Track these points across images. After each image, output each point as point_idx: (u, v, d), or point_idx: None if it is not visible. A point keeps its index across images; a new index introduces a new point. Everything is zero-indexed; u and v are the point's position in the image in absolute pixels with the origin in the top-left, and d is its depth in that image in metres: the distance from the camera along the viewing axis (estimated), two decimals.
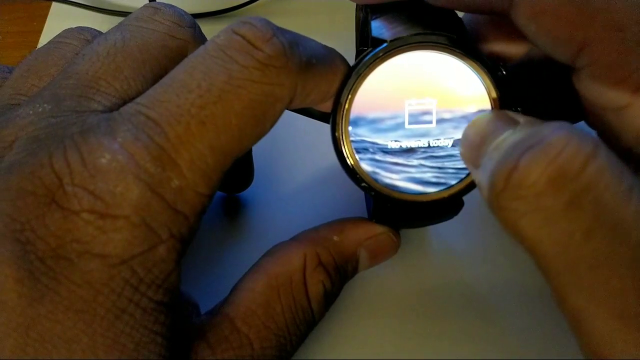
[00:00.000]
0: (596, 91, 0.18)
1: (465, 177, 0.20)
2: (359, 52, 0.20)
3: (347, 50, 0.20)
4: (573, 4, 0.16)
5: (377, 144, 0.20)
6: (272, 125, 0.17)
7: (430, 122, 0.20)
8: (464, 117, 0.19)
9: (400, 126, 0.20)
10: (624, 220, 0.13)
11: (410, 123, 0.20)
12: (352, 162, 0.20)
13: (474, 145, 0.17)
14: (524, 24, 0.18)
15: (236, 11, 0.38)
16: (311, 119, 0.23)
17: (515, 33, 0.21)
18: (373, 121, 0.19)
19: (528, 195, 0.14)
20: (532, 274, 0.25)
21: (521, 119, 0.17)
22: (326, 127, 0.21)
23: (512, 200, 0.14)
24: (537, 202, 0.14)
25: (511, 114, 0.17)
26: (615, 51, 0.17)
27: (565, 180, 0.13)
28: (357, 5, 0.24)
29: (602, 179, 0.13)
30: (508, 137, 0.15)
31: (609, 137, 0.20)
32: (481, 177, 0.16)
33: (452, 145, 0.20)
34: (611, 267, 0.14)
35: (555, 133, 0.14)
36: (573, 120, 0.24)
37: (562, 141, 0.14)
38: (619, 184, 0.13)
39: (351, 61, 0.20)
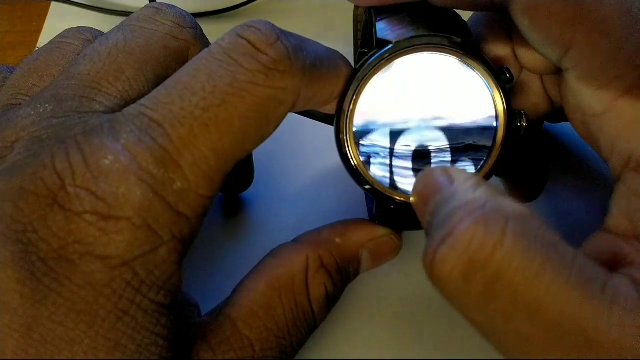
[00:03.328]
0: (579, 95, 0.18)
1: None
2: (361, 54, 0.20)
3: (347, 50, 0.20)
4: (566, 3, 0.16)
5: (387, 148, 0.20)
6: (275, 128, 0.17)
7: (440, 126, 0.20)
8: (471, 121, 0.20)
9: (409, 130, 0.20)
10: (539, 300, 0.13)
11: (419, 127, 0.20)
12: (356, 164, 0.20)
13: (420, 200, 0.17)
14: (518, 19, 0.18)
15: (236, 11, 0.38)
16: (312, 120, 0.23)
17: (509, 35, 0.21)
18: (383, 125, 0.19)
19: (448, 286, 0.14)
20: None
21: (458, 176, 0.16)
22: (326, 128, 0.21)
23: (438, 287, 0.15)
24: (456, 292, 0.14)
25: (450, 170, 0.16)
26: (599, 56, 0.17)
27: (475, 270, 0.14)
28: (355, 6, 0.24)
29: (511, 264, 0.13)
30: (437, 207, 0.15)
31: (592, 146, 0.20)
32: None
33: (462, 150, 0.20)
34: (533, 346, 0.14)
35: (462, 224, 0.14)
36: (561, 121, 0.24)
37: (470, 232, 0.14)
38: (530, 265, 0.13)
39: (351, 62, 0.20)
